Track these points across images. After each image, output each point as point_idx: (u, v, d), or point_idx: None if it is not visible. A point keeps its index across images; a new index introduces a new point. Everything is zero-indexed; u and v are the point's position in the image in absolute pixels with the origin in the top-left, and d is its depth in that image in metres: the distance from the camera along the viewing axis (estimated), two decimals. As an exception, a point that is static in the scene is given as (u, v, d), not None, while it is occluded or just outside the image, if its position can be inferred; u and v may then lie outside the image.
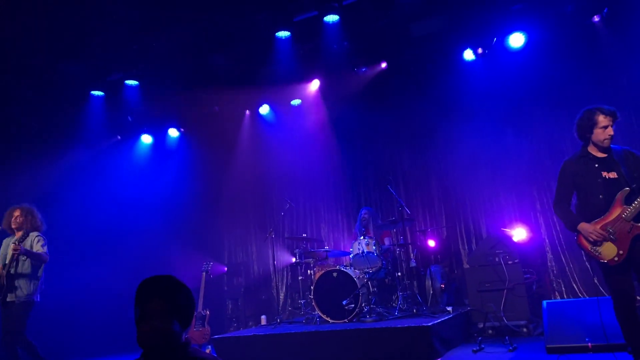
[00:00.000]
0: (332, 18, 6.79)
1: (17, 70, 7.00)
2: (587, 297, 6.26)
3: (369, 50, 7.75)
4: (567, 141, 6.87)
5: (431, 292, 6.73)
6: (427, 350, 4.92)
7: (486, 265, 6.20)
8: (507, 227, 6.97)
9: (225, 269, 9.37)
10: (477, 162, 7.54)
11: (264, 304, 8.80)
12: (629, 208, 3.41)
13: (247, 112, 9.29)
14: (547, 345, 4.71)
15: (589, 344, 4.47)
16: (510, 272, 6.01)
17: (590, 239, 3.48)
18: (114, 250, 8.25)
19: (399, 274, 6.36)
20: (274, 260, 7.58)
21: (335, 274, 6.19)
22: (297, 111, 8.97)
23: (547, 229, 7.03)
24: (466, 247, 7.58)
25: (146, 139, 9.31)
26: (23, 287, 5.02)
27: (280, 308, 8.49)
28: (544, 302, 5.13)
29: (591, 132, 3.63)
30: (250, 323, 8.51)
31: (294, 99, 8.87)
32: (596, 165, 3.61)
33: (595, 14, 6.76)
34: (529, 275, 6.27)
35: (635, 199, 3.41)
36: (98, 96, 8.00)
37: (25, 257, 5.06)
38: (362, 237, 6.52)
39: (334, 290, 6.09)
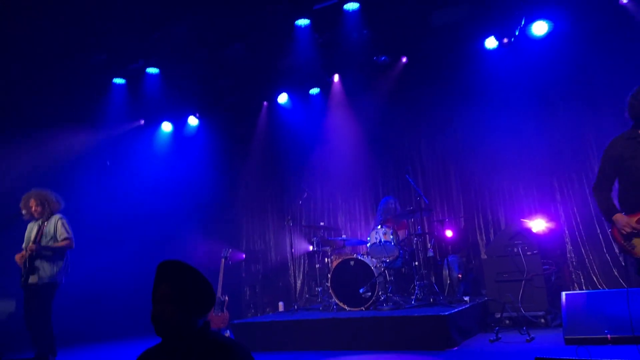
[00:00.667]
0: (352, 6, 6.77)
1: (42, 62, 7.14)
2: (607, 289, 6.20)
3: (388, 39, 7.69)
4: (591, 130, 6.78)
5: (448, 282, 6.74)
6: (444, 339, 4.95)
7: (504, 255, 6.17)
8: (527, 218, 6.91)
9: (244, 256, 9.49)
10: (497, 152, 7.47)
11: (281, 291, 8.90)
12: None
13: (266, 100, 9.31)
14: (566, 336, 4.69)
15: (608, 336, 4.44)
16: (529, 263, 5.97)
17: (623, 232, 3.24)
18: (134, 235, 8.41)
19: (416, 263, 6.37)
20: (291, 248, 7.65)
21: (352, 263, 6.23)
22: (315, 100, 8.97)
23: (567, 220, 6.96)
24: (484, 238, 7.55)
25: (166, 126, 9.42)
26: (46, 269, 5.01)
27: (297, 295, 8.57)
28: (563, 293, 5.10)
29: None
30: (268, 309, 8.62)
31: (313, 87, 8.87)
32: None
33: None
34: (547, 267, 6.22)
35: None
36: (120, 84, 8.11)
37: (48, 240, 5.09)
38: (379, 227, 6.54)
39: (351, 278, 6.13)
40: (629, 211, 3.27)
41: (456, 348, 4.96)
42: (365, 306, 5.94)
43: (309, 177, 8.96)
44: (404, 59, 8.10)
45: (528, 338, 5.02)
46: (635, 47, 6.42)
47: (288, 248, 9.05)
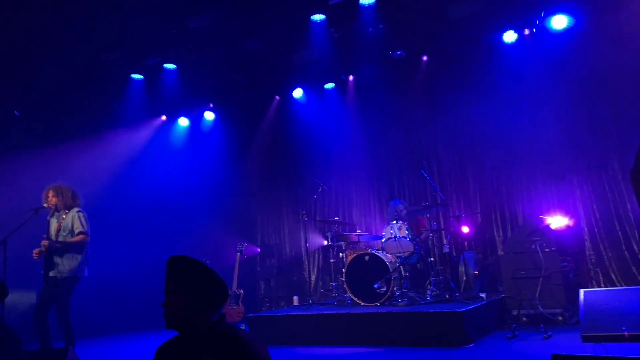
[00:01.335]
0: (367, 0, 6.72)
1: (61, 60, 7.25)
2: (625, 287, 6.10)
3: (404, 33, 7.62)
4: (612, 126, 6.67)
5: (464, 278, 6.70)
6: (460, 335, 4.93)
7: (522, 252, 6.11)
8: (545, 215, 6.83)
9: (258, 250, 9.55)
10: (515, 147, 7.39)
11: (295, 285, 8.94)
12: None
13: (281, 95, 9.33)
14: (583, 334, 4.63)
15: (625, 333, 4.38)
16: (547, 260, 5.91)
17: None
18: (151, 229, 8.52)
19: (432, 259, 6.35)
20: (306, 243, 7.67)
21: (367, 258, 6.23)
22: (330, 95, 8.96)
23: (586, 217, 6.86)
24: (501, 234, 7.47)
25: (183, 121, 9.51)
26: (65, 263, 5.04)
27: (311, 290, 8.60)
28: (581, 291, 5.02)
29: None
30: (282, 303, 8.67)
31: (328, 82, 8.86)
32: None
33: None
34: (566, 264, 6.15)
35: None
36: (138, 79, 8.21)
37: (66, 233, 5.17)
38: (394, 222, 6.52)
39: (366, 273, 6.13)
40: None
41: (472, 345, 4.94)
42: (380, 301, 5.94)
43: (323, 172, 8.96)
44: (420, 54, 8.04)
45: (545, 335, 4.98)
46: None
47: (302, 242, 9.11)
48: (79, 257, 5.17)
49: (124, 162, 8.69)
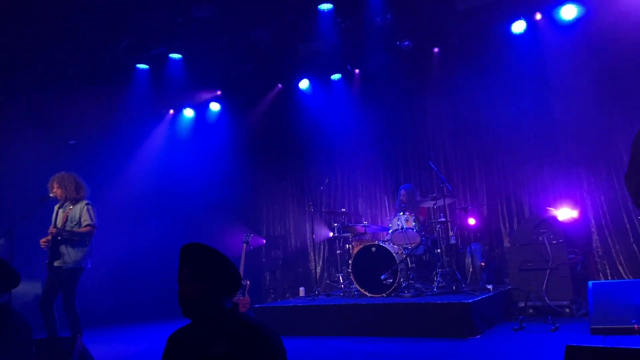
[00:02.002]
0: (376, -10, 6.67)
1: (68, 51, 7.22)
2: (634, 279, 6.08)
3: (412, 24, 7.55)
4: (620, 118, 6.60)
5: (471, 270, 6.68)
6: (467, 326, 4.92)
7: (529, 244, 6.09)
8: (552, 206, 6.79)
9: (264, 241, 9.56)
10: (522, 139, 7.34)
11: (300, 276, 8.95)
12: None
13: (287, 86, 9.28)
14: (592, 326, 4.63)
15: (635, 326, 4.37)
16: (554, 252, 5.88)
17: None
18: (157, 219, 8.54)
19: (438, 250, 6.33)
20: (312, 234, 7.65)
21: (373, 249, 6.21)
22: (337, 86, 8.91)
23: (594, 209, 6.82)
24: (507, 226, 7.45)
25: (188, 112, 9.48)
26: (71, 254, 5.06)
27: (317, 281, 8.61)
28: (590, 283, 5.01)
29: None
30: (288, 295, 8.68)
31: (335, 73, 8.81)
32: None
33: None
34: (573, 256, 6.12)
35: None
36: (143, 69, 8.17)
37: (73, 225, 5.18)
38: (401, 213, 6.50)
39: (373, 264, 6.11)
40: None
41: (479, 336, 4.93)
42: (387, 293, 5.93)
43: (329, 163, 8.94)
44: (428, 44, 7.96)
45: (553, 327, 4.96)
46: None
47: (308, 234, 9.10)
48: (85, 248, 5.20)
49: (129, 152, 8.69)
